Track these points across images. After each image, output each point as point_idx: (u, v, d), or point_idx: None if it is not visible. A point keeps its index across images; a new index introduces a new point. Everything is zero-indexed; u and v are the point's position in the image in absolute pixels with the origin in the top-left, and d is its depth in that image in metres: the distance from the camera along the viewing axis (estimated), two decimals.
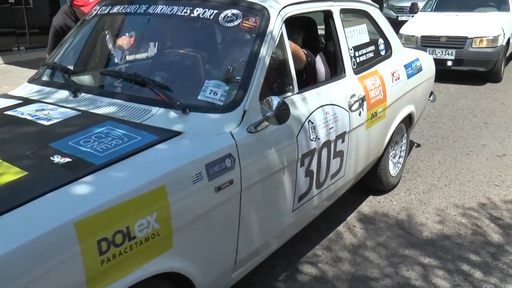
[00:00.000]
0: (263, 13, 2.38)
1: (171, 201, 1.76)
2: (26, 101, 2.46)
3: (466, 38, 7.40)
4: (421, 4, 9.33)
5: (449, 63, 7.54)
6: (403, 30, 8.15)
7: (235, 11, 2.41)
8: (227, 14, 2.40)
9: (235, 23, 2.37)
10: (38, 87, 2.65)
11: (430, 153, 4.72)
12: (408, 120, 3.90)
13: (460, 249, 3.10)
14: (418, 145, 4.93)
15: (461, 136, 5.24)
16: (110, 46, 2.97)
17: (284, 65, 2.46)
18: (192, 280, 1.93)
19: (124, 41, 2.89)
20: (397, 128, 3.69)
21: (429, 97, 4.36)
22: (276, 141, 2.26)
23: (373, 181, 3.71)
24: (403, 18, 13.11)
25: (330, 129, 2.64)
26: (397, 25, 8.35)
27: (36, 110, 2.29)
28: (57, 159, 1.80)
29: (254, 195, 2.18)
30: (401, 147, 3.95)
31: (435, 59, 7.38)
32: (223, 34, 2.48)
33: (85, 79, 2.65)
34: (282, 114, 2.07)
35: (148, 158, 1.83)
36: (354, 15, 3.32)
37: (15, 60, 9.38)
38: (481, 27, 7.56)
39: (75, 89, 2.44)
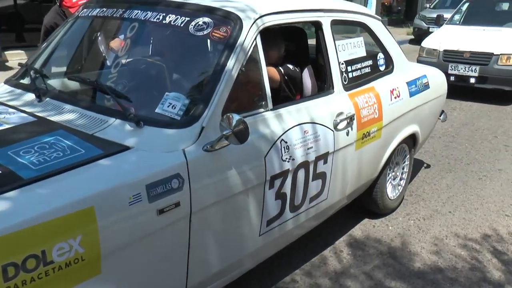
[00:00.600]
0: (235, 23, 2.23)
1: (100, 223, 1.62)
2: None
3: (492, 54, 6.99)
4: (448, 16, 8.92)
5: (472, 80, 7.14)
6: (425, 43, 7.80)
7: (207, 19, 2.26)
8: (198, 23, 2.25)
9: (205, 32, 2.22)
10: (10, 88, 2.57)
11: (439, 175, 4.45)
12: (412, 141, 3.66)
13: (453, 285, 2.87)
14: (428, 166, 4.67)
15: (476, 159, 4.93)
16: (102, 48, 2.89)
17: (257, 79, 2.29)
18: None
19: (116, 43, 2.80)
20: (397, 149, 3.47)
21: (440, 116, 4.10)
22: (238, 161, 2.09)
23: (368, 203, 3.50)
24: (435, 30, 12.74)
25: (308, 149, 2.46)
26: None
27: None
28: None
29: (209, 218, 2.03)
30: (402, 169, 3.72)
31: (457, 76, 7.20)
32: (192, 44, 2.33)
33: (55, 82, 2.56)
34: (241, 132, 1.90)
35: (83, 175, 1.71)
36: (351, 27, 3.12)
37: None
38: (509, 44, 7.13)
39: (41, 93, 2.34)
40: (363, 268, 2.99)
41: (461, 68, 7.13)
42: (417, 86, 3.47)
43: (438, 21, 8.67)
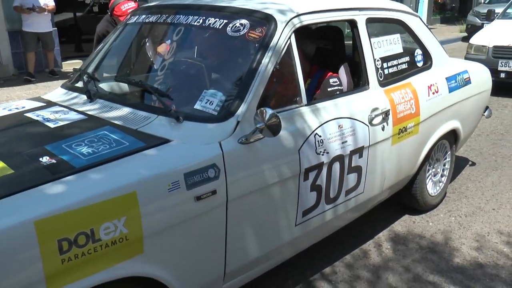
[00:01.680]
0: (270, 23, 2.35)
1: (141, 207, 1.78)
2: (48, 104, 2.62)
3: None
4: (499, 11, 8.62)
5: None
6: (474, 39, 7.59)
7: (243, 21, 2.40)
8: (235, 24, 2.40)
9: (241, 33, 2.36)
10: (65, 91, 2.81)
11: (484, 173, 4.39)
12: (453, 137, 3.65)
13: (493, 281, 2.85)
14: (473, 164, 4.60)
15: None
16: (149, 53, 3.10)
17: (291, 76, 2.40)
18: (169, 287, 1.94)
19: (163, 48, 2.99)
20: (437, 145, 3.48)
21: (484, 112, 4.05)
22: (272, 153, 2.21)
23: (407, 199, 3.52)
24: None
25: (343, 143, 2.54)
26: None
27: (51, 113, 2.43)
28: (45, 159, 1.89)
29: (245, 207, 2.15)
30: (444, 165, 3.71)
31: (508, 72, 6.97)
32: (229, 44, 2.47)
33: (105, 85, 2.76)
34: (273, 125, 2.02)
35: (126, 164, 1.87)
36: (387, 24, 3.17)
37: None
38: None
39: (92, 94, 2.55)
40: (402, 262, 3.03)
41: None
42: (457, 82, 3.46)
43: (489, 16, 8.41)
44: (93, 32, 10.93)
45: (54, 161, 1.88)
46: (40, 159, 1.90)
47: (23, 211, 1.59)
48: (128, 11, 3.75)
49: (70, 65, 9.15)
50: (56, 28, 8.78)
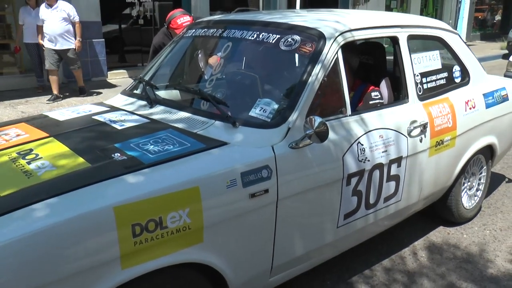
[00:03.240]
0: (319, 39, 2.55)
1: (203, 200, 1.99)
2: (112, 109, 2.88)
3: None
4: None
5: None
6: None
7: (295, 36, 2.61)
8: (287, 39, 2.61)
9: (293, 47, 2.57)
10: (125, 98, 3.06)
11: None
12: (489, 152, 3.76)
13: None
14: (509, 180, 4.67)
15: None
16: (200, 63, 3.33)
17: (337, 88, 2.59)
18: (223, 275, 2.14)
19: (213, 59, 3.23)
20: (473, 159, 3.60)
21: None
22: (319, 158, 2.40)
23: (443, 211, 3.64)
24: None
25: (383, 152, 2.71)
26: None
27: (116, 116, 2.68)
28: (116, 156, 2.13)
29: (293, 206, 2.34)
30: (479, 180, 3.82)
31: None
32: (281, 57, 2.68)
33: (164, 92, 3.01)
34: (321, 132, 2.21)
35: (190, 162, 2.09)
36: (427, 41, 3.33)
37: (138, 75, 10.38)
38: None
39: (152, 101, 2.80)
40: (437, 270, 3.14)
41: None
42: (494, 98, 3.58)
43: None
44: (136, 43, 11.40)
45: (125, 157, 2.12)
46: (113, 155, 2.14)
47: (104, 198, 1.82)
48: (184, 24, 4.01)
49: (115, 75, 9.59)
50: (103, 39, 9.21)
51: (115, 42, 11.22)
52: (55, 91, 7.66)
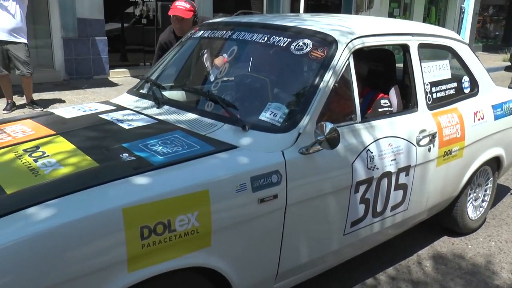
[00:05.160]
0: (331, 44, 2.53)
1: (212, 204, 1.95)
2: (119, 108, 2.85)
3: None
4: None
5: None
6: None
7: (306, 40, 2.58)
8: (298, 43, 2.58)
9: (304, 51, 2.54)
10: (132, 97, 3.03)
11: None
12: (496, 164, 3.74)
13: None
14: None
15: None
16: (207, 64, 3.30)
17: (348, 94, 2.56)
18: (229, 280, 2.11)
19: (219, 60, 3.20)
20: (480, 170, 3.57)
21: None
22: (328, 165, 2.37)
23: (448, 221, 3.61)
24: None
25: (391, 160, 2.68)
26: None
27: (123, 115, 2.65)
28: (125, 156, 2.09)
29: (301, 212, 2.31)
30: (485, 191, 3.79)
31: None
32: (291, 61, 2.65)
33: (172, 93, 2.98)
34: (333, 139, 2.18)
35: (200, 165, 2.06)
36: (438, 50, 3.31)
37: (140, 74, 10.35)
38: None
39: (160, 101, 2.77)
40: (440, 280, 3.11)
41: None
42: (503, 110, 3.56)
43: None
44: (137, 43, 11.35)
45: (133, 158, 2.08)
46: (121, 155, 2.10)
47: (112, 199, 1.79)
48: (178, 6, 3.96)
49: (116, 73, 9.54)
50: (106, 37, 9.17)
51: (118, 41, 11.18)
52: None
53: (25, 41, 6.37)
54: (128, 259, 1.77)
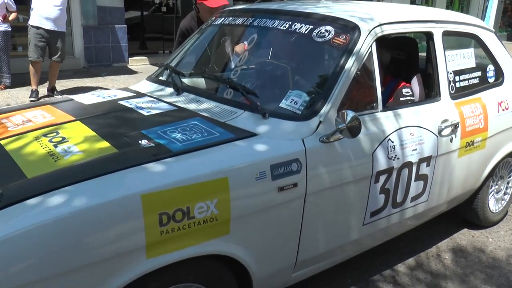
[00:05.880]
0: (354, 31, 2.48)
1: (232, 192, 1.94)
2: (138, 94, 2.84)
3: None
4: None
5: None
6: None
7: (328, 27, 2.54)
8: (320, 30, 2.54)
9: (326, 38, 2.50)
10: (151, 84, 3.03)
11: None
12: None
13: None
14: None
15: None
16: (228, 51, 3.27)
17: (370, 82, 2.52)
18: (247, 268, 2.10)
19: (240, 47, 3.17)
20: (503, 162, 3.50)
21: None
22: (349, 154, 2.33)
23: (468, 213, 3.55)
24: None
25: (413, 150, 2.63)
26: None
27: (142, 102, 2.65)
28: (144, 143, 2.09)
29: (320, 201, 2.28)
30: (507, 184, 3.72)
31: None
32: (313, 48, 2.61)
33: (191, 80, 2.97)
34: (354, 127, 2.14)
35: (219, 152, 2.04)
36: (460, 38, 3.23)
37: (159, 62, 10.38)
38: None
39: (179, 88, 2.76)
40: (459, 273, 3.07)
41: None
42: None
43: None
44: (156, 31, 11.37)
45: (152, 144, 2.08)
46: (140, 141, 2.10)
47: (132, 185, 1.79)
48: None
49: (136, 61, 9.58)
50: (125, 25, 9.19)
51: (137, 29, 11.22)
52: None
53: (65, 30, 6.67)
54: (146, 246, 1.77)
